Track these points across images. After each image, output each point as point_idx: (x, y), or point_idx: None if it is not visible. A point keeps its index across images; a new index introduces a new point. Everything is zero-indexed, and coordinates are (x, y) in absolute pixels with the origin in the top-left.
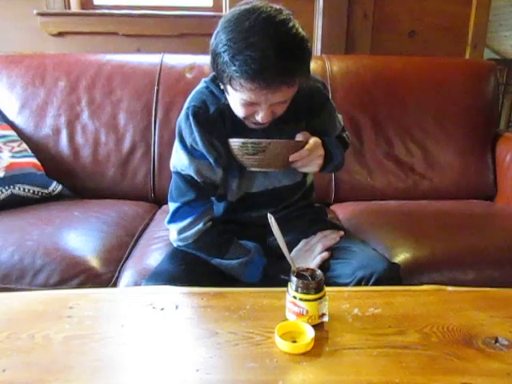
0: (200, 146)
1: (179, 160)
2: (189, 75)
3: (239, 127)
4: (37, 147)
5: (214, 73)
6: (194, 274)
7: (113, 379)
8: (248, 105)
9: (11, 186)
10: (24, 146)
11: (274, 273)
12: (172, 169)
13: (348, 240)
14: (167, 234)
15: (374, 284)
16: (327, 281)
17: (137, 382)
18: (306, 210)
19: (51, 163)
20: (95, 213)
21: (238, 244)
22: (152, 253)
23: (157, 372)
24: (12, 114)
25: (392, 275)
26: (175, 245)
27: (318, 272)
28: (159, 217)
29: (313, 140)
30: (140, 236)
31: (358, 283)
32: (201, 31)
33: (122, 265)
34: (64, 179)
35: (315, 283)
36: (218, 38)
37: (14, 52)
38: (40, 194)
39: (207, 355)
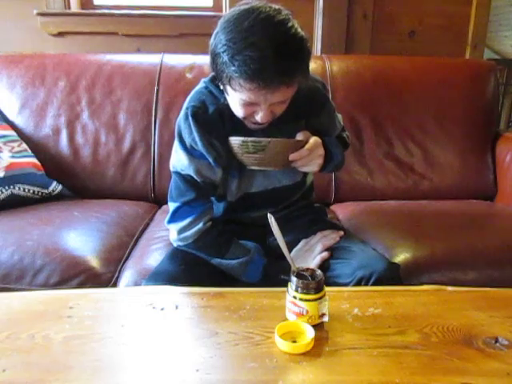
0: (199, 146)
1: (179, 160)
2: (189, 75)
3: (238, 127)
4: (37, 147)
5: (213, 73)
6: (194, 274)
7: (113, 379)
8: (247, 105)
9: (11, 186)
10: (24, 145)
11: (274, 273)
12: (172, 169)
13: (348, 240)
14: (167, 234)
15: (374, 284)
16: (327, 281)
17: (137, 382)
18: (305, 210)
19: (51, 163)
20: (95, 213)
21: (237, 244)
22: (152, 253)
23: (157, 372)
24: (12, 114)
25: (392, 275)
26: (175, 245)
27: (318, 272)
28: (159, 217)
29: (313, 139)
30: (140, 236)
31: (358, 283)
32: (201, 31)
33: (122, 265)
34: (64, 179)
35: (315, 283)
36: (218, 39)
37: (14, 52)
38: (40, 193)
39: (207, 355)
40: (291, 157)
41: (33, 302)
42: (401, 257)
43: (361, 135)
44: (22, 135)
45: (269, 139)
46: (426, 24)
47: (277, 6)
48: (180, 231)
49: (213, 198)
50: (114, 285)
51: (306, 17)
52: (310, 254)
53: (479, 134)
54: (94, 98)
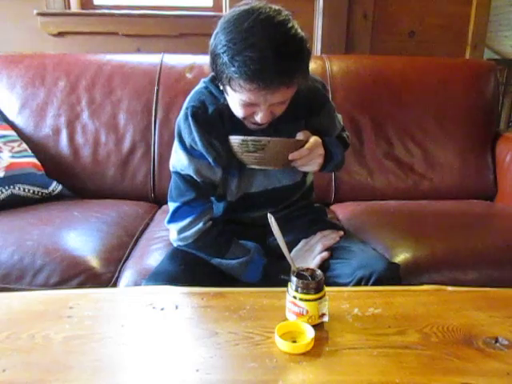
0: (199, 146)
1: (178, 160)
2: (189, 75)
3: (238, 127)
4: (37, 147)
5: (213, 73)
6: (194, 274)
7: (113, 379)
8: (247, 105)
9: (11, 186)
10: (24, 145)
11: (274, 273)
12: (171, 169)
13: (348, 240)
14: (167, 234)
15: (374, 284)
16: (327, 281)
17: (137, 382)
18: (305, 210)
19: (51, 163)
20: (95, 213)
21: (237, 244)
22: (152, 253)
23: (157, 372)
24: (12, 114)
25: (392, 275)
26: (175, 244)
27: (318, 272)
28: (159, 217)
29: (313, 139)
30: (140, 236)
31: (358, 283)
32: (201, 31)
33: (122, 265)
34: (64, 179)
35: (315, 283)
36: (218, 39)
37: (14, 52)
38: (40, 193)
39: (207, 355)
40: (291, 156)
41: (33, 302)
42: (401, 257)
43: (361, 135)
44: (22, 135)
45: (269, 138)
46: (426, 24)
47: (277, 7)
48: (180, 231)
49: (213, 198)
50: (114, 285)
51: (306, 17)
52: (309, 254)
53: (479, 134)
54: (94, 98)
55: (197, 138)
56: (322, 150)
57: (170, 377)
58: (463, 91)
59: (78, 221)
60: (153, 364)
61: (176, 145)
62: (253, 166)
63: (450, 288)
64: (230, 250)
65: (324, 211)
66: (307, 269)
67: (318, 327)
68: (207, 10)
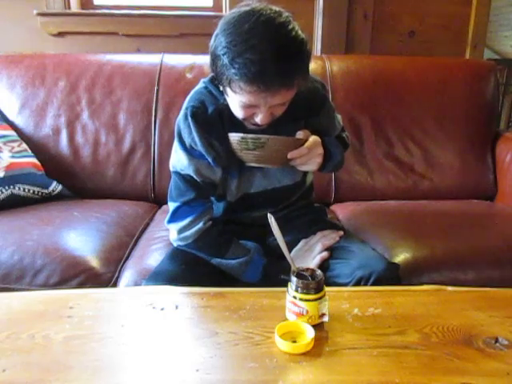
0: (199, 146)
1: (178, 160)
2: (189, 75)
3: (238, 127)
4: (37, 147)
5: (213, 74)
6: (194, 274)
7: (113, 379)
8: (247, 107)
9: (11, 186)
10: (24, 145)
11: (274, 273)
12: (171, 169)
13: (347, 240)
14: (167, 234)
15: (373, 284)
16: (326, 281)
17: (137, 382)
18: (305, 210)
19: (51, 163)
20: (95, 213)
21: (237, 244)
22: (152, 253)
23: (157, 372)
24: (12, 114)
25: (391, 275)
26: (175, 244)
27: (318, 272)
28: (159, 217)
29: (312, 138)
30: (140, 236)
31: (357, 283)
32: (201, 31)
33: (122, 265)
34: (64, 179)
35: (315, 283)
36: (218, 41)
37: (14, 52)
38: (40, 194)
39: (207, 355)
40: (290, 155)
41: (33, 302)
42: (401, 257)
43: (361, 135)
44: (22, 135)
45: (268, 136)
46: (426, 24)
47: (277, 8)
48: (180, 231)
49: (213, 198)
50: (114, 285)
51: (306, 17)
52: (309, 254)
53: (479, 133)
54: (94, 98)
55: (196, 138)
56: (321, 150)
57: (170, 377)
58: (463, 91)
59: (78, 221)
60: (153, 364)
61: (176, 145)
62: (252, 164)
63: (450, 288)
64: (230, 249)
65: (324, 211)
66: (307, 269)
67: (317, 327)
68: (207, 10)
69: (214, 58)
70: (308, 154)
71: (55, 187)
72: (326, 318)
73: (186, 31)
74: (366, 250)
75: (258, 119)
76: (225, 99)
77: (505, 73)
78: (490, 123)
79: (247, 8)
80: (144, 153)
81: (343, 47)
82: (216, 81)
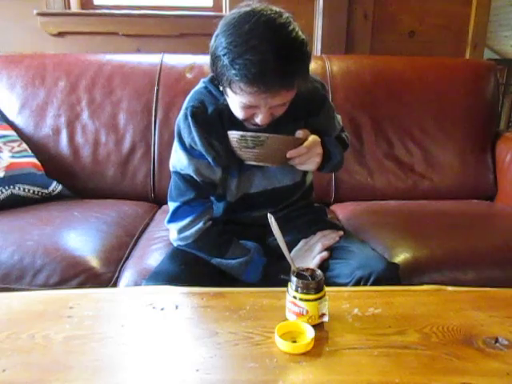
0: (199, 146)
1: (178, 160)
2: (189, 75)
3: (237, 127)
4: (37, 147)
5: (213, 74)
6: (194, 274)
7: (113, 379)
8: (247, 107)
9: (11, 186)
10: (24, 145)
11: (273, 273)
12: (171, 168)
13: (347, 240)
14: (167, 234)
15: (373, 284)
16: (326, 281)
17: (137, 382)
18: (305, 210)
19: (51, 163)
20: (95, 213)
21: (237, 244)
22: (152, 253)
23: (157, 372)
24: (12, 114)
25: (391, 275)
26: (175, 244)
27: (318, 272)
28: (159, 217)
29: (312, 137)
30: (140, 236)
31: (357, 283)
32: (201, 31)
33: (122, 265)
34: (64, 179)
35: (315, 283)
36: (218, 41)
37: (13, 52)
38: (40, 193)
39: (207, 355)
40: (289, 154)
41: (33, 301)
42: (401, 257)
43: (361, 135)
44: (22, 135)
45: (267, 134)
46: (426, 24)
47: (278, 9)
48: (180, 231)
49: (213, 198)
50: (114, 285)
51: (306, 17)
52: (309, 254)
53: (479, 133)
54: (94, 98)
55: (196, 138)
56: (320, 149)
57: (170, 377)
58: (463, 91)
59: (78, 221)
60: (153, 364)
61: (176, 145)
62: (251, 163)
63: (450, 288)
64: (230, 249)
65: (324, 211)
66: (307, 269)
67: (317, 327)
68: (207, 10)
69: (215, 59)
70: (307, 154)
71: (55, 187)
72: (326, 318)
73: (185, 31)
74: (366, 250)
75: (258, 120)
76: (225, 99)
77: (505, 73)
78: (490, 123)
79: (247, 9)
80: (144, 153)
81: (343, 47)
82: (216, 81)
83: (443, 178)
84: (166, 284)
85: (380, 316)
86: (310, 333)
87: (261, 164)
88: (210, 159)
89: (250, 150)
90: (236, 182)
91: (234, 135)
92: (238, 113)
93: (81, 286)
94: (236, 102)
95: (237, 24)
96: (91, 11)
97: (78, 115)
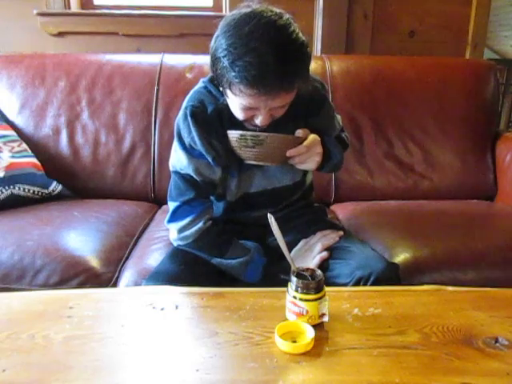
0: (198, 146)
1: (178, 159)
2: (189, 75)
3: (237, 127)
4: (37, 147)
5: (213, 74)
6: (194, 274)
7: (113, 379)
8: (247, 109)
9: (11, 186)
10: (24, 145)
11: (273, 273)
12: (171, 168)
13: (347, 240)
14: (167, 234)
15: (373, 284)
16: (326, 281)
17: (137, 382)
18: (305, 210)
19: (51, 163)
20: (95, 213)
21: (237, 244)
22: (152, 253)
23: (157, 372)
24: (12, 114)
25: (390, 275)
26: (175, 244)
27: (318, 272)
28: (159, 217)
29: (312, 137)
30: (140, 236)
31: (357, 283)
32: (201, 31)
33: (122, 265)
34: (64, 179)
35: (315, 283)
36: (218, 42)
37: (13, 52)
38: (40, 193)
39: (207, 355)
40: (289, 153)
41: (33, 301)
42: (401, 257)
43: (361, 135)
44: (22, 135)
45: (267, 134)
46: (426, 24)
47: (278, 10)
48: (180, 230)
49: (212, 198)
50: (114, 285)
51: (306, 17)
52: (309, 254)
53: (479, 133)
54: (94, 98)
55: (196, 138)
56: (320, 149)
57: (170, 377)
58: (463, 91)
59: (78, 221)
60: (153, 364)
61: (175, 144)
62: (250, 162)
63: (450, 288)
64: (230, 249)
65: (324, 211)
66: (307, 269)
67: (317, 327)
68: (207, 10)
69: (215, 60)
70: (307, 153)
71: (55, 187)
72: (326, 318)
73: (185, 31)
74: (366, 251)
75: (258, 121)
76: (224, 99)
77: (505, 73)
78: (489, 123)
79: (248, 10)
80: (144, 153)
81: (343, 47)
82: (216, 81)
83: (443, 178)
84: (165, 284)
85: (380, 316)
86: (309, 333)
87: (261, 163)
88: (209, 159)
89: (250, 149)
90: (236, 181)
91: (233, 134)
92: (238, 114)
93: (81, 286)
94: (236, 103)
95: (237, 25)
96: (91, 11)
97: (77, 115)
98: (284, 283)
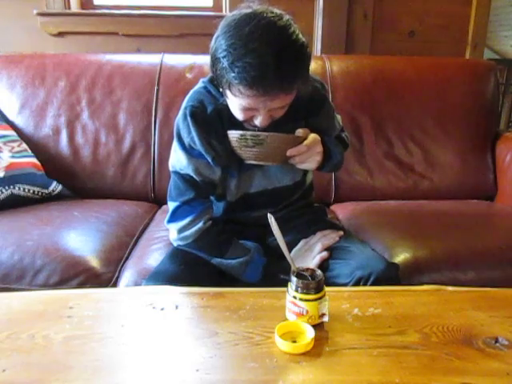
0: (198, 146)
1: (178, 159)
2: (189, 75)
3: (237, 127)
4: (37, 147)
5: (212, 75)
6: (194, 274)
7: (113, 379)
8: (247, 110)
9: (11, 186)
10: (24, 145)
11: (273, 273)
12: (171, 168)
13: (347, 240)
14: (167, 234)
15: (373, 284)
16: (326, 281)
17: (137, 382)
18: (305, 210)
19: (51, 163)
20: (95, 213)
21: (237, 243)
22: (152, 253)
23: (157, 372)
24: (12, 114)
25: (390, 275)
26: (175, 244)
27: (318, 272)
28: (159, 217)
29: (312, 136)
30: (140, 236)
31: (357, 283)
32: (201, 31)
33: (122, 265)
34: (64, 179)
35: (315, 283)
36: (218, 43)
37: (14, 52)
38: (40, 193)
39: (207, 355)
40: (289, 152)
41: (33, 301)
42: (401, 257)
43: (361, 135)
44: (22, 135)
45: (267, 133)
46: (426, 24)
47: (278, 11)
48: (180, 230)
49: (212, 198)
50: (114, 285)
51: (306, 17)
52: (309, 254)
53: (479, 133)
54: (94, 98)
55: (195, 138)
56: (320, 148)
57: (170, 377)
58: (463, 91)
59: (78, 221)
60: (153, 364)
61: (175, 144)
62: (251, 162)
63: (450, 288)
64: (230, 249)
65: (324, 211)
66: (307, 269)
67: (317, 327)
68: (207, 10)
69: (214, 61)
70: (307, 152)
71: (55, 187)
72: (326, 318)
73: (185, 31)
74: (366, 251)
75: (258, 122)
76: (224, 99)
77: (505, 73)
78: (490, 123)
79: (248, 10)
80: (144, 153)
81: (343, 47)
82: (215, 81)
83: (443, 178)
84: (165, 284)
85: (380, 316)
86: (310, 333)
87: (261, 163)
88: (209, 159)
89: (250, 149)
90: (236, 181)
91: (233, 134)
92: (238, 114)
93: (81, 286)
94: (235, 104)
95: (237, 26)
96: (91, 11)
97: (78, 115)
98: (284, 283)
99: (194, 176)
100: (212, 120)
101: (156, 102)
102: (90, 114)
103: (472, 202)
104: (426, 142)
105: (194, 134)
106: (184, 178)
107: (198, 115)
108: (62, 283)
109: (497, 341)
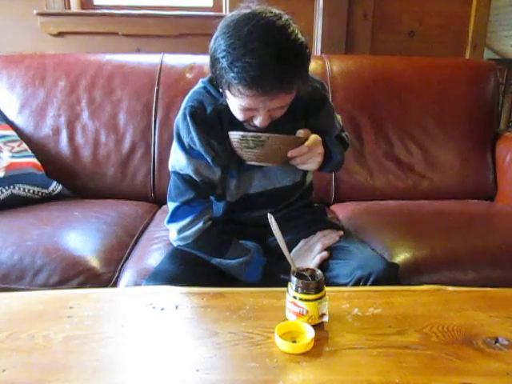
0: (198, 146)
1: (177, 160)
2: (189, 75)
3: (237, 128)
4: (37, 147)
5: (212, 75)
6: (194, 274)
7: (113, 379)
8: (246, 110)
9: (11, 186)
10: (24, 145)
11: (273, 273)
12: (170, 169)
13: (347, 240)
14: (167, 234)
15: (372, 284)
16: (326, 281)
17: (137, 382)
18: (305, 210)
19: (51, 163)
20: (95, 213)
21: (237, 244)
22: (152, 253)
23: (157, 372)
24: (12, 114)
25: (390, 275)
26: (175, 244)
27: (318, 272)
28: (159, 217)
29: (313, 137)
30: (140, 236)
31: (357, 283)
32: (201, 31)
33: (122, 265)
34: (64, 179)
35: (315, 283)
36: (217, 43)
37: (14, 52)
38: (40, 193)
39: (207, 355)
40: (290, 153)
41: (33, 301)
42: (401, 257)
43: (361, 135)
44: (22, 135)
45: (268, 134)
46: (426, 24)
47: (277, 11)
48: (180, 231)
49: (212, 198)
50: (114, 285)
51: (306, 17)
52: (309, 254)
53: (479, 133)
54: (94, 98)
55: (195, 138)
56: (321, 149)
57: (170, 377)
58: (463, 91)
59: (78, 221)
60: (153, 364)
61: (175, 145)
62: (252, 163)
63: (450, 288)
64: (230, 249)
65: (324, 211)
66: (307, 269)
67: (317, 327)
68: (207, 10)
69: (214, 61)
70: (308, 153)
71: (55, 187)
72: (326, 318)
73: (185, 31)
74: (366, 251)
75: (257, 122)
76: (224, 100)
77: (505, 73)
78: (490, 123)
79: (247, 11)
80: (144, 153)
81: (343, 47)
82: (215, 81)
83: (443, 178)
84: (165, 284)
85: (380, 316)
86: (310, 333)
87: (262, 164)
88: (208, 159)
89: (251, 150)
90: (235, 182)
91: (234, 135)
92: (237, 115)
93: (81, 286)
94: (235, 104)
95: (236, 26)
96: (91, 11)
97: (78, 115)
98: (284, 283)
99: (194, 176)
100: (211, 120)
101: (156, 101)
102: (90, 114)
103: (472, 201)
104: (425, 142)
105: (193, 134)
106: (184, 178)
107: (197, 115)
108: (61, 283)
109: (497, 341)
